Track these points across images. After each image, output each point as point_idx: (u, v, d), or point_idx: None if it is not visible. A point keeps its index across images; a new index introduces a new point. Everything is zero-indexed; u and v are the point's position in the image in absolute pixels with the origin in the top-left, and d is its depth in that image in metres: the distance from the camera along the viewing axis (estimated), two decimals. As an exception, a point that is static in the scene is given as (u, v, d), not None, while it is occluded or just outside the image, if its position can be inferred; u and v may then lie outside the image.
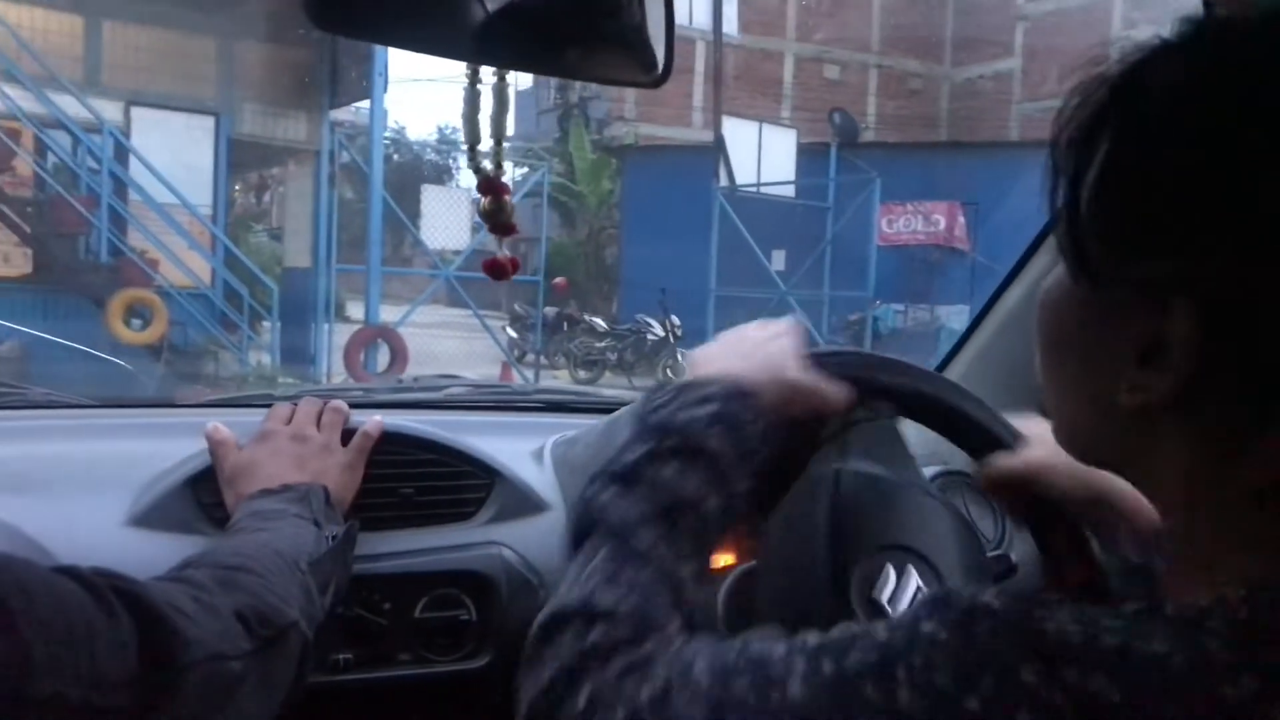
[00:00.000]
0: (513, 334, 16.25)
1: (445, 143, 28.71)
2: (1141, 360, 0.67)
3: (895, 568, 1.13)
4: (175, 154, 13.35)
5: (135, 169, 13.07)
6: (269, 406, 1.42)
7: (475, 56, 1.20)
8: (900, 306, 16.28)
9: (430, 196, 16.28)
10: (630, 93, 26.20)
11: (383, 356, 13.15)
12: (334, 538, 1.21)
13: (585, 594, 0.87)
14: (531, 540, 1.43)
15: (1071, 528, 1.16)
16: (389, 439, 1.42)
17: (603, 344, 15.93)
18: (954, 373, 1.84)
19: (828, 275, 16.78)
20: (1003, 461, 1.18)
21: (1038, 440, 1.16)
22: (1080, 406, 0.77)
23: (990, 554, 1.42)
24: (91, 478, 1.34)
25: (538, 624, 0.89)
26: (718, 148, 16.19)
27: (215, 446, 1.32)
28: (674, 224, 17.05)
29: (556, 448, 1.61)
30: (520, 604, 1.38)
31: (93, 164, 13.32)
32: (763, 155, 16.42)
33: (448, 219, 15.02)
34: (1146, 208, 0.66)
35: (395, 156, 14.83)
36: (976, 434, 1.24)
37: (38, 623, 0.76)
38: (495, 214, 1.35)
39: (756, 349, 1.10)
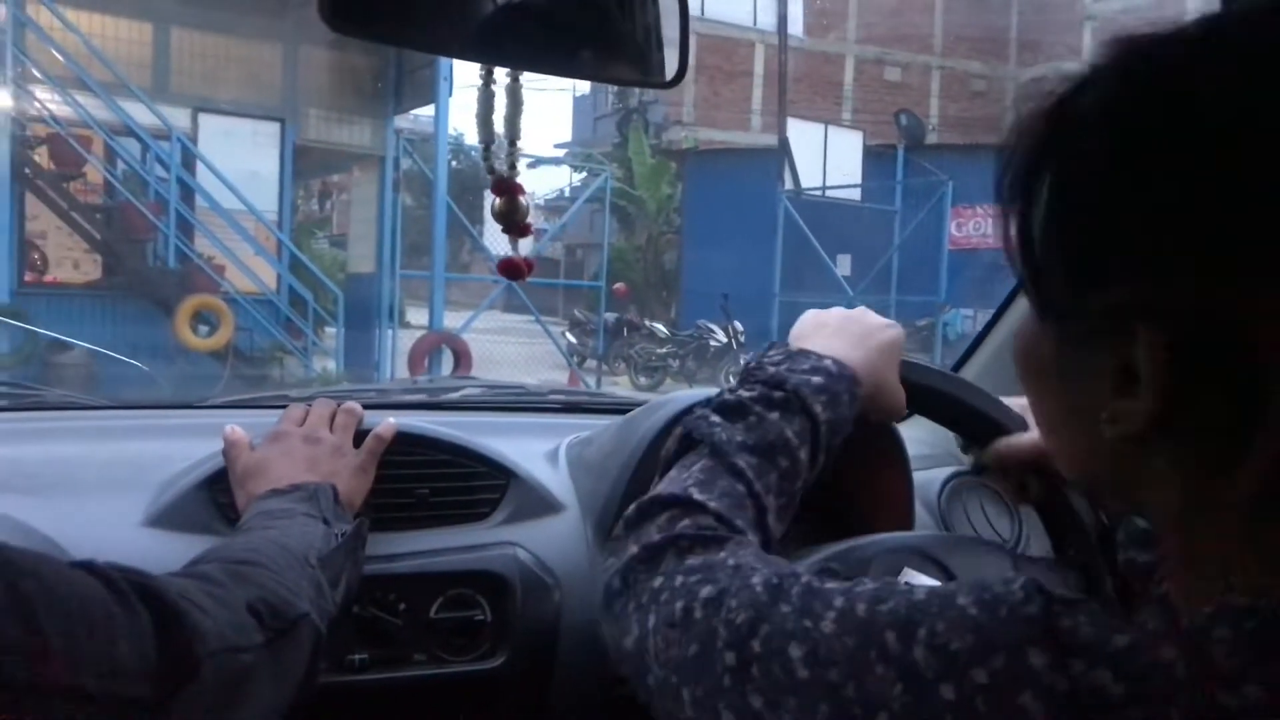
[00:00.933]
0: (572, 339, 16.27)
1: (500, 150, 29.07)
2: (1116, 390, 0.67)
3: (914, 571, 1.16)
4: (241, 160, 13.53)
5: (202, 175, 13.25)
6: (284, 408, 1.44)
7: (487, 57, 1.21)
8: (969, 311, 16.12)
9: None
10: (688, 97, 26.25)
11: (447, 363, 13.21)
12: (343, 535, 1.23)
13: (680, 488, 0.96)
14: (546, 541, 1.44)
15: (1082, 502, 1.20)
16: (404, 440, 1.43)
17: (664, 350, 15.96)
18: (969, 372, 1.86)
19: (895, 280, 16.68)
20: (1013, 440, 1.21)
21: None
22: (1069, 436, 0.77)
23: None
24: (108, 478, 1.36)
25: (633, 507, 0.98)
26: (782, 150, 16.11)
27: (229, 447, 1.35)
28: (736, 228, 17.00)
29: (571, 448, 1.63)
30: (535, 604, 1.39)
31: (160, 171, 13.47)
32: (828, 158, 16.32)
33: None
34: (1096, 237, 0.67)
35: (453, 163, 14.86)
36: (994, 433, 1.25)
37: (55, 613, 0.77)
38: (509, 214, 1.36)
39: (867, 338, 1.15)
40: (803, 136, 16.29)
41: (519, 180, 1.38)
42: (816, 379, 1.06)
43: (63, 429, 1.58)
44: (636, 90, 27.31)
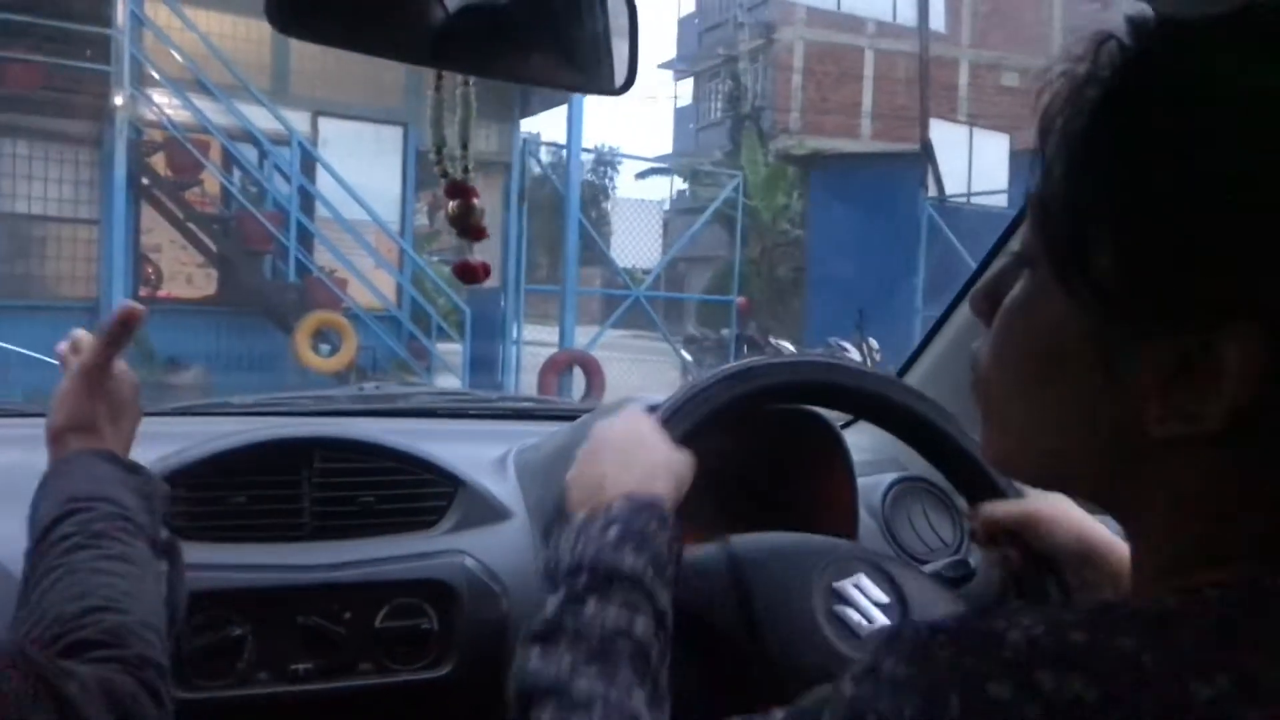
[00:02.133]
0: (687, 356, 16.11)
1: (602, 162, 28.95)
2: (1171, 387, 0.65)
3: (855, 579, 1.21)
4: (362, 167, 13.36)
5: (321, 183, 13.17)
6: (226, 415, 1.51)
7: (437, 61, 1.26)
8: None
9: (622, 211, 16.18)
10: (794, 104, 26.14)
11: (578, 382, 13.14)
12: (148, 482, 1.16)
13: None
14: (494, 548, 1.50)
15: (1060, 581, 1.20)
16: (349, 447, 1.50)
17: (791, 370, 15.59)
18: (912, 378, 1.90)
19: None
20: (1005, 507, 1.24)
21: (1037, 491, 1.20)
22: (1066, 434, 0.74)
23: (949, 559, 1.48)
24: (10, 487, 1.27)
25: None
26: (925, 154, 15.77)
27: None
28: (869, 238, 16.66)
29: (520, 455, 1.68)
30: (483, 612, 1.45)
31: (278, 178, 13.49)
32: (973, 162, 16.00)
33: (640, 234, 14.94)
34: (1190, 222, 0.64)
35: (553, 177, 14.89)
36: (948, 445, 1.32)
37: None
38: (464, 217, 1.43)
39: (630, 454, 1.13)
40: (944, 140, 15.97)
41: (471, 184, 1.44)
42: (613, 532, 1.03)
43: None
44: (750, 96, 27.33)
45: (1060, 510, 1.21)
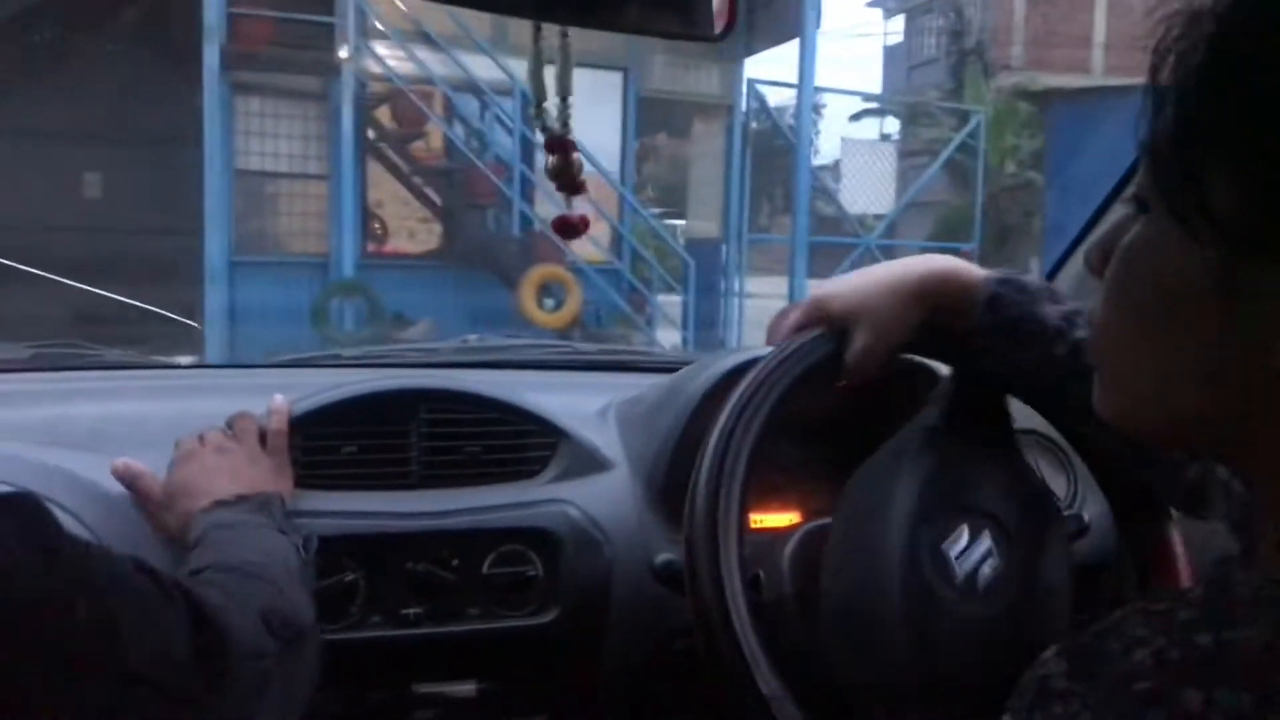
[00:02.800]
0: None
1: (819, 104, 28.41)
2: None
3: (970, 529, 1.23)
4: (582, 115, 12.98)
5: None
6: (337, 367, 1.60)
7: (534, 13, 1.31)
8: None
9: (852, 152, 15.78)
10: (1017, 37, 25.07)
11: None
12: (302, 546, 1.31)
13: None
14: (596, 498, 1.57)
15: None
16: (455, 399, 1.59)
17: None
18: (1064, 279, 1.87)
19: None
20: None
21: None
22: (1189, 384, 0.71)
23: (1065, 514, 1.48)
24: (168, 435, 1.45)
25: None
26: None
27: (134, 480, 1.39)
28: (1112, 181, 15.95)
29: (621, 406, 1.76)
30: (586, 561, 1.53)
31: (500, 130, 13.37)
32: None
33: (871, 178, 14.61)
34: None
35: (754, 124, 14.50)
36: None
37: (120, 598, 0.87)
38: (563, 172, 1.47)
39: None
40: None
41: (571, 138, 1.48)
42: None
43: (124, 388, 1.79)
44: (973, 31, 26.35)
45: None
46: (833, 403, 1.35)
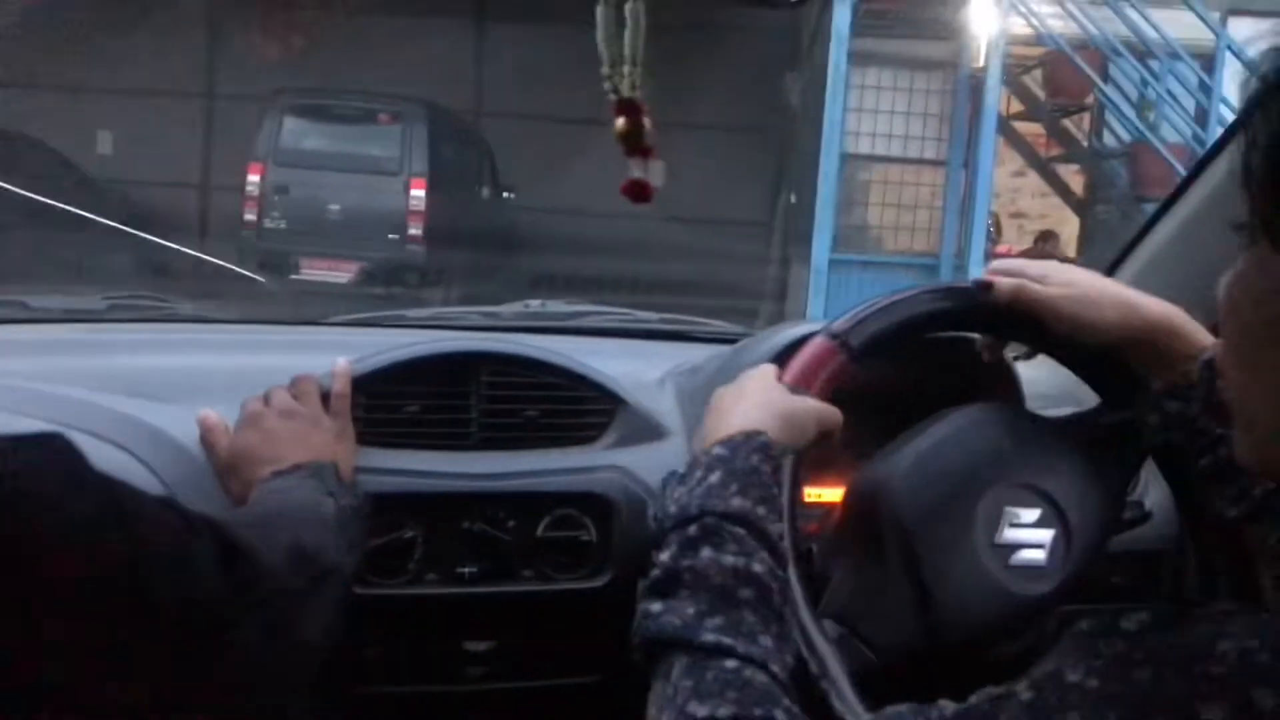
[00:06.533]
0: None
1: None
2: None
3: (1021, 506, 1.38)
4: None
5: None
6: (402, 327, 1.81)
7: None
8: None
9: None
10: None
11: None
12: (351, 507, 1.46)
13: (677, 714, 1.01)
14: (652, 465, 1.71)
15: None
16: (514, 362, 1.79)
17: None
18: (1124, 276, 1.92)
19: None
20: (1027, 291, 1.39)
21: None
22: None
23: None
24: (237, 388, 1.63)
25: None
26: None
27: (206, 433, 1.57)
28: None
29: (679, 376, 1.92)
30: (640, 527, 1.65)
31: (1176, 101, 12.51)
32: None
33: None
34: None
35: None
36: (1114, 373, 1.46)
37: (150, 536, 0.97)
38: (632, 135, 1.62)
39: (733, 406, 1.31)
40: None
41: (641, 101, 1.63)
42: (715, 476, 1.18)
43: (195, 341, 2.06)
44: None
45: (1096, 285, 1.37)
46: (887, 376, 1.50)
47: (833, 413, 1.33)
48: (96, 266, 8.46)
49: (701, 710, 0.98)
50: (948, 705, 0.81)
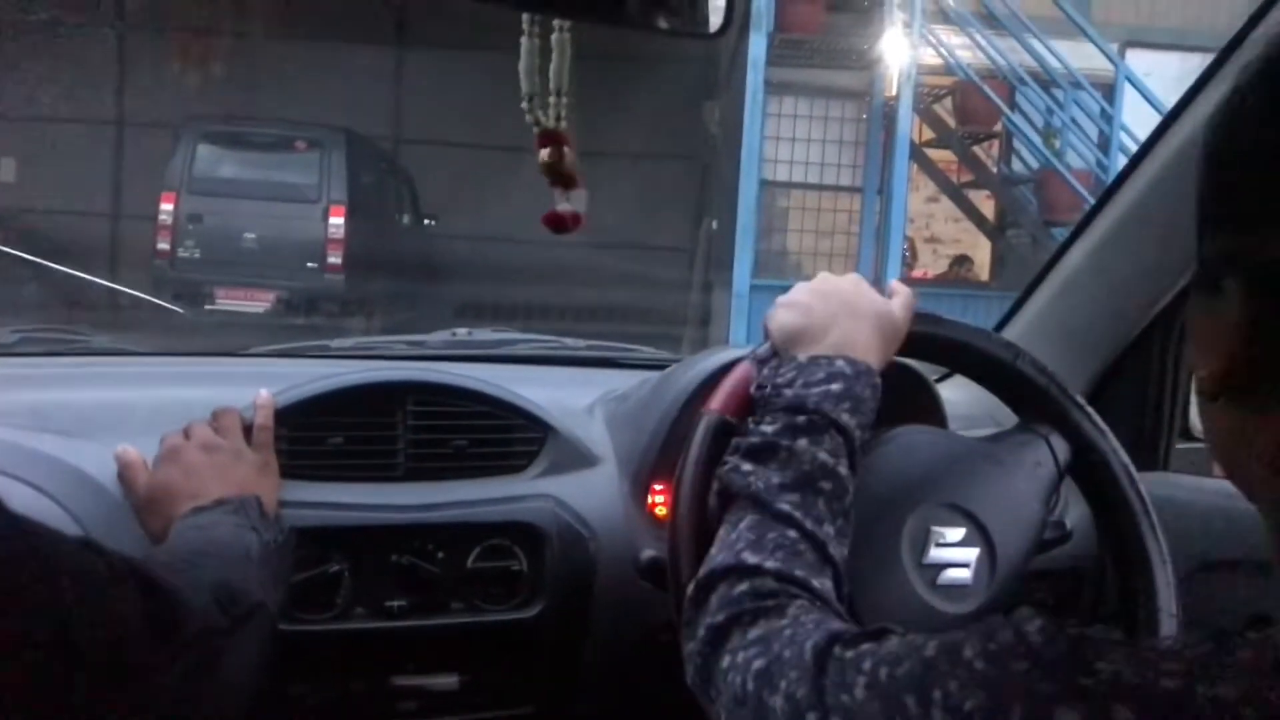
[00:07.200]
0: None
1: None
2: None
3: (947, 526, 1.41)
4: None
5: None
6: (325, 358, 1.80)
7: (532, 6, 1.49)
8: None
9: None
10: None
11: None
12: (275, 541, 1.45)
13: (733, 555, 1.15)
14: (582, 494, 1.74)
15: None
16: (442, 391, 1.78)
17: None
18: (1011, 333, 2.00)
19: None
20: None
21: None
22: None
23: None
24: (155, 423, 1.60)
25: (693, 585, 1.17)
26: None
27: (124, 469, 1.54)
28: None
29: (608, 402, 1.92)
30: (571, 556, 1.71)
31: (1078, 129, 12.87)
32: None
33: None
34: (1216, 181, 0.79)
35: None
36: (1030, 393, 1.51)
37: (69, 581, 0.96)
38: (556, 166, 1.62)
39: (869, 317, 1.37)
40: None
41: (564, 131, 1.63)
42: (835, 386, 1.27)
43: (111, 374, 1.99)
44: None
45: None
46: None
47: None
48: (2, 298, 8.31)
49: (753, 559, 1.12)
50: (893, 640, 0.89)
